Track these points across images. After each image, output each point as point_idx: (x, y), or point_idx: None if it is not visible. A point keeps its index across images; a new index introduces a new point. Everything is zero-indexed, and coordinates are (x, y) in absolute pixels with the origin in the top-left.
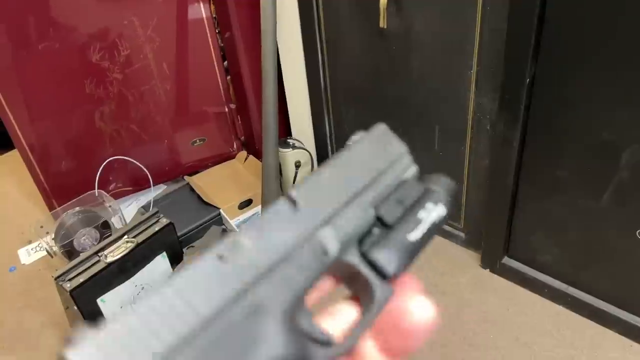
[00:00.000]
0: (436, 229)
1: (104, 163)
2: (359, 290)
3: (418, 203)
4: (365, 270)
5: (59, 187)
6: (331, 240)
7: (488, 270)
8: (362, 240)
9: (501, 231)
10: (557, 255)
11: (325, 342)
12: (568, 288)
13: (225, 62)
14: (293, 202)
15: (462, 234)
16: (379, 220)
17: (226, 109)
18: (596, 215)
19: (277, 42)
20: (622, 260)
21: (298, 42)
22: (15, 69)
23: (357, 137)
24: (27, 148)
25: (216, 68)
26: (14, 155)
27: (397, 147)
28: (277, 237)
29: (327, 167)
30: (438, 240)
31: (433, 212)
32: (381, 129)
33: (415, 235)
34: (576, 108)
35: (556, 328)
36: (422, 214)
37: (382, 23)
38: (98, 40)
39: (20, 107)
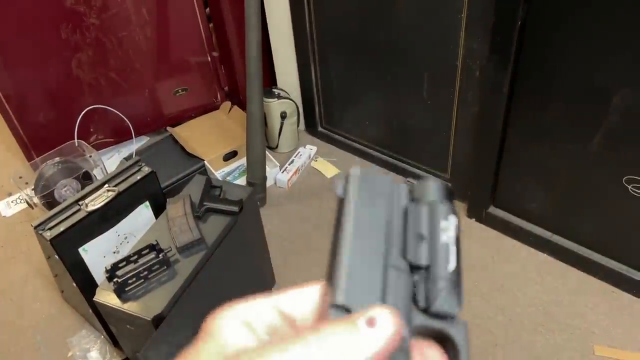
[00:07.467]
0: (460, 239)
1: (83, 112)
2: (438, 338)
3: (433, 227)
4: (436, 324)
5: (38, 138)
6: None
7: (474, 219)
8: (414, 295)
9: (488, 180)
10: (543, 202)
11: None
12: (552, 236)
13: (207, 9)
14: (346, 310)
15: (448, 184)
16: (414, 267)
17: (209, 58)
18: (584, 161)
19: None
20: (607, 207)
21: None
22: None
23: (339, 190)
24: (2, 98)
25: (198, 15)
26: None
27: (383, 183)
28: None
29: (342, 252)
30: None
31: (450, 227)
32: (357, 175)
33: (452, 263)
34: (567, 51)
35: (540, 275)
36: (444, 237)
37: None
38: None
39: None
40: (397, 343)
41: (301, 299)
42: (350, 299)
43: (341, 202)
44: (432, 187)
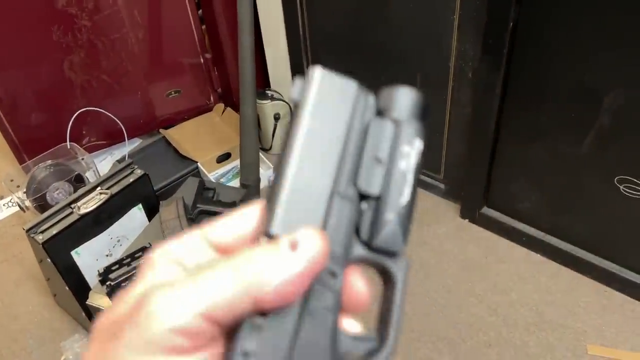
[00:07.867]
0: (421, 168)
1: (75, 114)
2: (378, 271)
3: (393, 151)
4: (377, 258)
5: (29, 140)
6: (331, 260)
7: (467, 220)
8: (357, 225)
9: (481, 181)
10: (535, 202)
11: (372, 350)
12: (545, 236)
13: (200, 11)
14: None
15: (441, 185)
16: (364, 196)
17: (201, 60)
18: (576, 162)
19: None
20: (599, 207)
21: None
22: None
23: (296, 92)
24: None
25: (190, 17)
26: None
27: (346, 88)
28: None
29: (286, 174)
30: (418, 192)
31: (412, 154)
32: (318, 75)
33: (406, 195)
34: (559, 52)
35: (533, 275)
36: (402, 164)
37: None
38: None
39: None
40: (321, 267)
41: (235, 225)
42: (285, 229)
43: (296, 107)
44: (403, 98)
